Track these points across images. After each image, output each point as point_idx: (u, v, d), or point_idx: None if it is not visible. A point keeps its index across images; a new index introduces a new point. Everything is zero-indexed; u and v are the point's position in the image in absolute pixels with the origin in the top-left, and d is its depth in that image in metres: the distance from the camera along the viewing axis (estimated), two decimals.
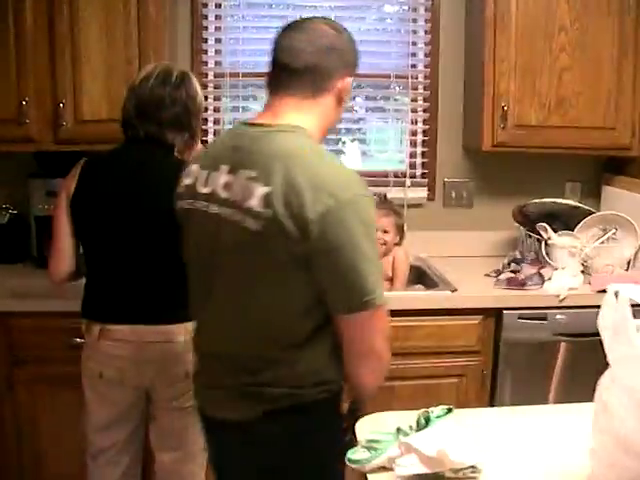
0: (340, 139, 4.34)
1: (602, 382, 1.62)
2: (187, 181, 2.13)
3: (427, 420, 1.81)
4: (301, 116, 2.02)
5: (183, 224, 2.18)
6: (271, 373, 1.98)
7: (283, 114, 2.02)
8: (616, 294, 1.55)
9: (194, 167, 2.12)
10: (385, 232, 3.71)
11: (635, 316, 1.54)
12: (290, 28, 2.07)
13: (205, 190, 2.03)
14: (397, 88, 4.24)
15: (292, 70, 2.00)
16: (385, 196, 4.00)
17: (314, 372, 2.00)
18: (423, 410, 1.85)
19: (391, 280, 3.75)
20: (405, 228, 3.84)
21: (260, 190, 1.86)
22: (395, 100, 4.31)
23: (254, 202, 1.86)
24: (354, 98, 4.31)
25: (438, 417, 1.84)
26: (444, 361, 3.45)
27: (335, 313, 1.93)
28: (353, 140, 4.37)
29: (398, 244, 3.81)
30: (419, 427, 1.81)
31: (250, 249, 1.91)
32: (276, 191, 1.83)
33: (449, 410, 1.87)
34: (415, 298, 3.48)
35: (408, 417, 1.88)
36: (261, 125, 2.02)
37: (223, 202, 1.96)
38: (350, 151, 4.37)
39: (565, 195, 4.21)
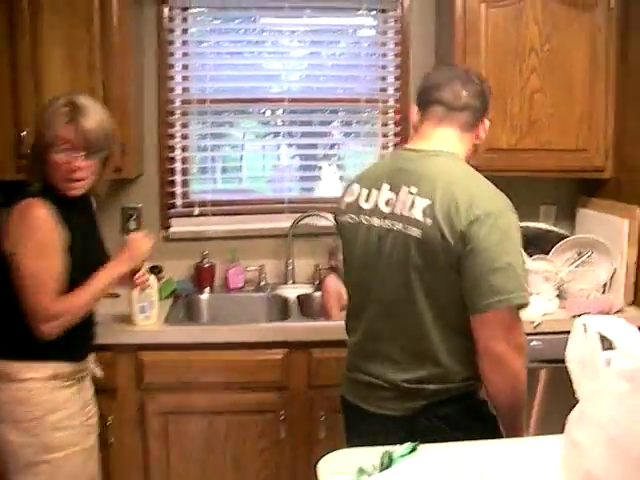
0: (317, 165, 4.30)
1: (571, 418, 1.56)
2: (349, 199, 2.47)
3: (390, 459, 1.74)
4: (452, 145, 2.38)
5: (345, 237, 2.50)
6: (425, 371, 2.28)
7: (437, 142, 2.37)
8: (584, 326, 1.49)
9: (355, 186, 2.47)
10: None
11: (604, 347, 1.47)
12: (445, 70, 2.61)
13: (367, 206, 2.38)
14: (369, 113, 4.20)
15: (451, 107, 2.37)
16: None
17: (461, 369, 2.29)
18: (386, 449, 1.77)
19: None
20: None
21: (423, 203, 2.20)
22: (372, 124, 4.26)
23: (417, 213, 2.21)
24: (329, 123, 4.26)
25: (402, 456, 1.75)
26: None
27: (469, 313, 2.20)
28: (330, 165, 4.33)
29: None
30: (382, 466, 1.73)
31: (412, 254, 2.22)
32: (437, 204, 2.18)
33: (414, 448, 1.79)
34: None
35: (371, 454, 1.80)
36: (419, 150, 2.37)
37: (385, 216, 2.30)
38: (327, 176, 4.33)
39: (539, 218, 4.15)
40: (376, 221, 2.33)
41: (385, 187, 2.34)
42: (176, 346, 3.28)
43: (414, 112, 2.48)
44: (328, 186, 4.31)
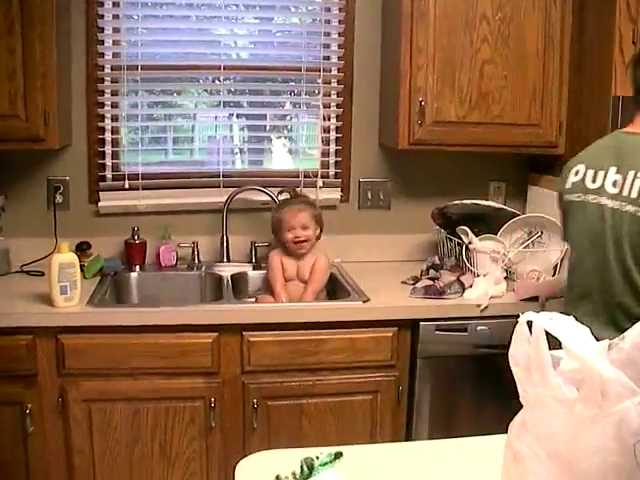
0: (268, 137, 4.12)
1: (513, 427, 1.37)
2: (575, 178, 2.60)
3: (311, 468, 1.54)
4: None
5: (570, 214, 2.65)
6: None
7: None
8: (529, 324, 1.30)
9: (580, 167, 2.59)
10: (305, 228, 3.50)
11: (551, 346, 1.29)
12: None
13: (594, 186, 2.51)
14: (313, 83, 3.96)
15: None
16: (294, 190, 3.74)
17: None
18: (307, 456, 1.57)
19: (305, 283, 3.50)
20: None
21: None
22: (315, 95, 4.02)
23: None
24: (281, 94, 4.07)
25: (323, 465, 1.56)
26: (356, 376, 3.21)
27: None
28: (279, 137, 4.16)
29: (319, 237, 3.59)
30: (302, 475, 1.54)
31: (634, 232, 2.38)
32: None
33: (337, 456, 1.59)
34: (324, 309, 3.22)
35: (291, 458, 1.60)
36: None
37: (612, 196, 2.43)
38: (277, 149, 4.16)
39: (489, 196, 4.02)
40: (604, 200, 2.46)
41: (612, 170, 2.46)
42: (99, 329, 3.06)
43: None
44: (275, 159, 4.14)
